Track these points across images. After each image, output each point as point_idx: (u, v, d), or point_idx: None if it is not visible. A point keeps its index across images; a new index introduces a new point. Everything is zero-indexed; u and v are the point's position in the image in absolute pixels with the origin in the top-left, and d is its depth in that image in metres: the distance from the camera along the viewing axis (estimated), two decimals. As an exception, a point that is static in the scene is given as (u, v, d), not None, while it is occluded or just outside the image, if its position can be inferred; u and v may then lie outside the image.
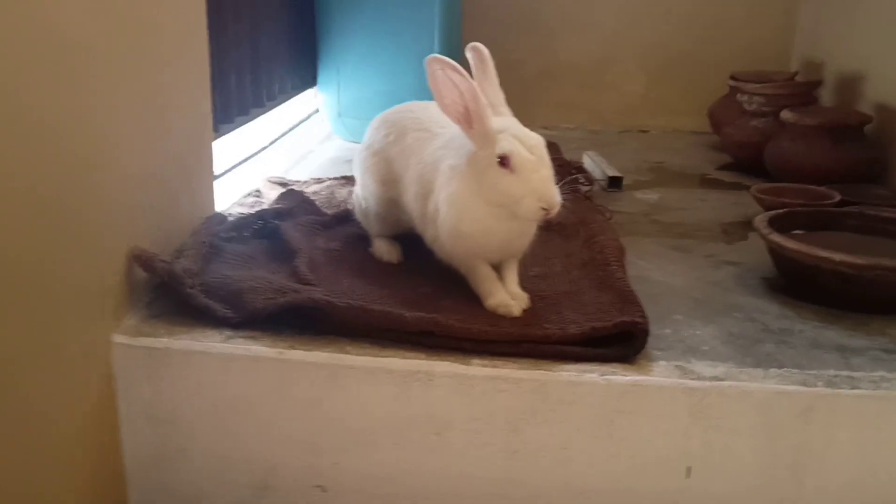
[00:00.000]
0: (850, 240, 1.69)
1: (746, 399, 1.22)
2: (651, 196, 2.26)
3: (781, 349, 1.33)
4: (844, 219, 1.74)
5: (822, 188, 2.04)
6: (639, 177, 2.48)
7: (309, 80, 2.82)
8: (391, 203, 1.57)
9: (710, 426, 1.23)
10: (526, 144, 1.28)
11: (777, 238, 1.53)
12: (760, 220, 1.64)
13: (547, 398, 1.24)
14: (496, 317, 1.34)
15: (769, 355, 1.31)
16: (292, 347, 1.28)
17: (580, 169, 2.23)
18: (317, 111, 2.90)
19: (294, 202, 1.85)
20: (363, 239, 1.68)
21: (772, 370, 1.26)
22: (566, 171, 2.16)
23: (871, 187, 2.15)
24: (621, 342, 1.28)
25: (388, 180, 1.56)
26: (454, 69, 1.27)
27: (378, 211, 1.61)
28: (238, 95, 2.23)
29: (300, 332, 1.31)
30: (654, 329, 1.38)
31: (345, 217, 1.81)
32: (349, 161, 2.57)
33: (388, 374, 1.25)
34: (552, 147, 2.31)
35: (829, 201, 1.93)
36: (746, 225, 2.00)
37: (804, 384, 1.22)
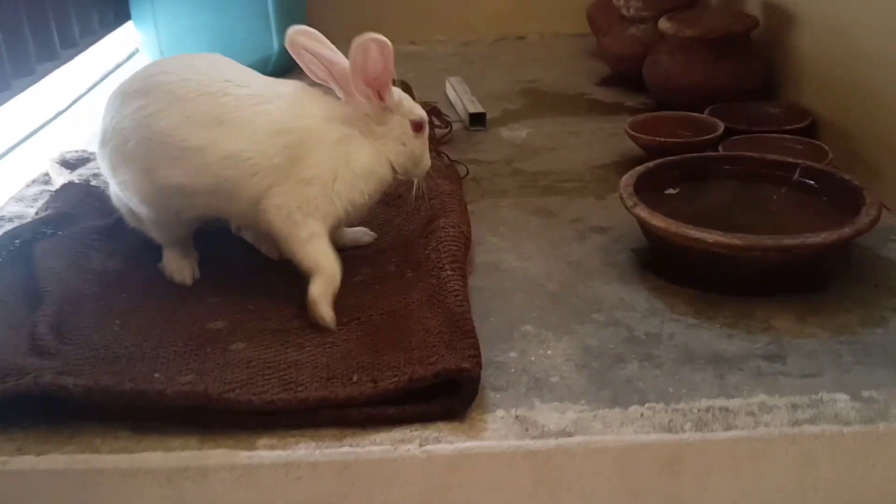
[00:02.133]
0: (733, 193, 1.44)
1: (600, 457, 0.98)
2: (518, 133, 1.97)
3: (645, 370, 1.09)
4: (725, 165, 1.48)
5: (704, 116, 1.78)
6: (508, 104, 2.17)
7: (120, 15, 2.38)
8: (168, 197, 1.23)
9: (560, 489, 1.00)
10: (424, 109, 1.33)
11: (643, 213, 1.27)
12: (626, 182, 1.37)
13: (356, 481, 0.98)
14: (293, 369, 1.07)
15: (630, 382, 1.07)
16: (21, 451, 0.98)
17: (434, 111, 1.91)
18: (137, 52, 2.48)
19: (72, 201, 1.50)
20: (155, 248, 1.36)
21: (632, 409, 1.02)
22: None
23: (761, 105, 1.89)
24: (449, 391, 1.03)
25: (160, 167, 1.20)
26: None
27: (152, 214, 1.27)
28: (13, 50, 1.82)
29: (35, 425, 1.02)
30: (496, 353, 1.13)
31: (137, 214, 1.48)
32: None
33: (148, 475, 0.97)
34: (404, 87, 2.01)
35: (713, 134, 1.67)
36: (620, 168, 1.74)
37: (669, 429, 0.98)
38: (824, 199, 1.36)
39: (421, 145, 1.29)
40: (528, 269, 1.36)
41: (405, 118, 1.26)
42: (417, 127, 1.27)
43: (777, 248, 1.17)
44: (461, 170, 1.71)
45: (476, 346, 1.06)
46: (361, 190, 1.25)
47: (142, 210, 1.27)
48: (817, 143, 1.63)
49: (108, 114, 1.27)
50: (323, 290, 1.19)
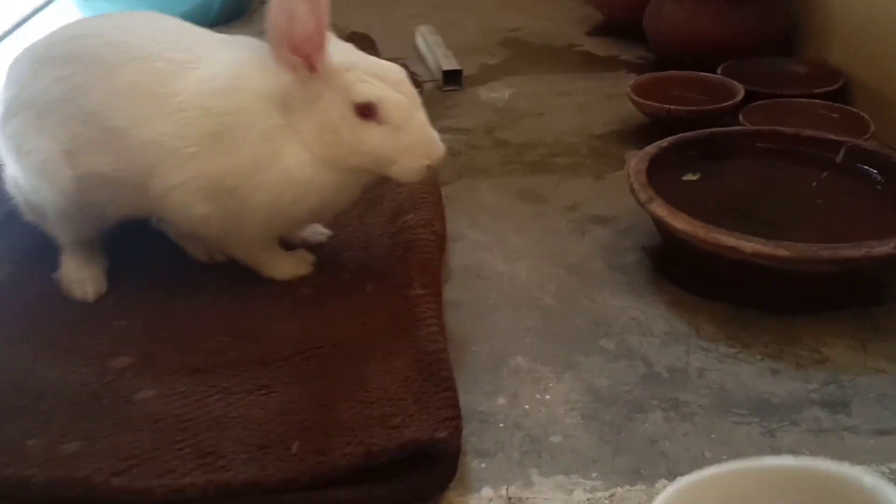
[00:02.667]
0: (764, 178, 1.18)
1: (619, 556, 0.75)
2: (500, 94, 1.69)
3: (672, 424, 0.85)
4: (753, 142, 1.23)
5: (719, 77, 1.52)
6: (487, 58, 1.88)
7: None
8: (89, 188, 0.97)
9: (565, 592, 0.76)
10: (389, 82, 0.94)
11: (662, 212, 1.01)
12: (637, 168, 1.11)
13: (296, 590, 0.74)
14: (214, 432, 0.81)
15: (654, 442, 0.83)
16: None
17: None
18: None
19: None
20: (55, 245, 1.08)
21: (659, 486, 0.78)
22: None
23: (782, 62, 1.63)
24: (419, 466, 0.78)
25: (83, 150, 0.95)
26: None
27: (62, 205, 0.99)
28: None
29: None
30: (479, 400, 0.89)
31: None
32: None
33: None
34: (365, 41, 1.71)
35: (732, 101, 1.41)
36: (621, 139, 1.47)
37: (709, 517, 0.75)
38: (878, 187, 1.12)
39: (379, 135, 0.93)
40: (517, 274, 1.10)
41: (344, 97, 0.92)
42: (362, 111, 0.92)
43: (835, 260, 0.92)
44: (433, 142, 1.44)
45: (455, 404, 0.81)
46: (287, 204, 0.96)
47: (50, 201, 0.99)
48: (855, 111, 1.38)
49: (13, 83, 0.99)
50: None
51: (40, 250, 1.09)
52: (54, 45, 0.99)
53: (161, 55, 0.95)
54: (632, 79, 1.57)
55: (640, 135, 1.47)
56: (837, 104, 1.41)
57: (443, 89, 1.69)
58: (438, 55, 1.76)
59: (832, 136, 1.18)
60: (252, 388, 0.88)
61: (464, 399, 0.86)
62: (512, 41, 1.99)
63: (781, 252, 0.93)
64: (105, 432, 0.81)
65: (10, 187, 1.06)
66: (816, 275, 0.96)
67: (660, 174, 1.13)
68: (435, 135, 0.95)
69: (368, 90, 0.91)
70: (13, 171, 1.02)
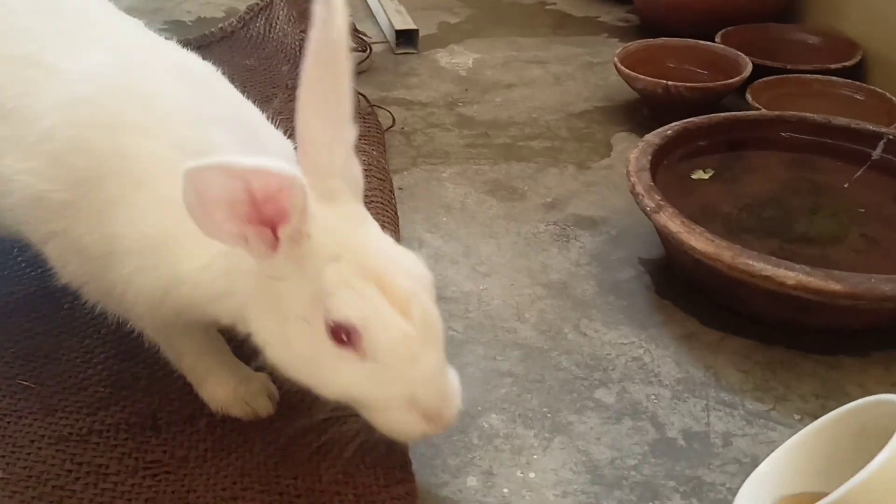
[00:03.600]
0: (788, 177, 0.98)
1: None
2: (463, 59, 1.45)
3: (697, 519, 0.65)
4: (774, 131, 1.02)
5: (721, 47, 1.30)
6: (447, 16, 1.64)
7: None
8: None
9: None
10: (395, 296, 0.57)
11: (676, 227, 0.80)
12: (639, 164, 0.89)
13: None
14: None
15: (675, 547, 0.63)
16: None
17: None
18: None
19: None
20: None
21: None
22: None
23: (790, 30, 1.42)
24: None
25: None
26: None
27: None
28: None
29: None
30: (444, 479, 0.67)
31: None
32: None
33: None
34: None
35: (739, 76, 1.19)
36: (607, 117, 1.25)
37: None
38: (927, 191, 0.92)
39: (353, 373, 0.57)
40: (488, 296, 0.88)
41: (314, 296, 0.57)
42: (337, 333, 0.56)
43: (900, 297, 0.72)
44: (384, 118, 1.20)
45: (412, 487, 0.59)
46: (160, 297, 0.62)
47: None
48: (881, 91, 1.18)
49: None
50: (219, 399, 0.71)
51: None
52: None
53: (37, 58, 0.66)
54: (615, 45, 1.36)
55: (629, 114, 1.25)
56: (861, 84, 1.21)
57: (395, 52, 1.45)
58: (390, 11, 1.51)
59: (869, 126, 0.98)
60: (136, 466, 0.65)
61: (423, 477, 0.66)
62: (478, -4, 1.75)
63: (833, 286, 0.72)
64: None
65: None
66: (868, 311, 0.76)
67: (664, 171, 0.92)
68: (448, 389, 0.59)
69: (353, 304, 0.56)
70: None
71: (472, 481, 0.68)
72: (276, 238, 0.54)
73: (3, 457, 0.65)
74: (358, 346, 0.55)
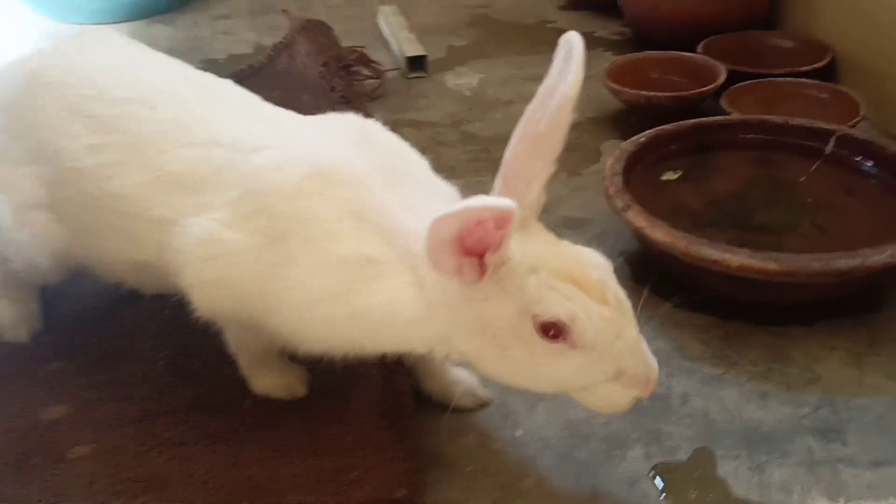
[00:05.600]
0: (751, 174, 1.10)
1: None
2: (468, 80, 1.60)
3: (653, 458, 0.78)
4: (737, 133, 1.15)
5: (700, 56, 1.43)
6: (454, 39, 1.79)
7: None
8: (88, 261, 0.86)
9: None
10: (590, 288, 0.66)
11: (640, 222, 0.94)
12: (613, 170, 1.02)
13: None
14: (154, 494, 0.74)
15: (634, 484, 0.76)
16: None
17: (362, 58, 1.52)
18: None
19: None
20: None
21: (641, 537, 0.72)
22: (340, 64, 1.49)
23: (767, 36, 1.54)
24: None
25: (98, 229, 0.81)
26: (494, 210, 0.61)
27: (45, 267, 0.87)
28: None
29: None
30: (445, 443, 0.81)
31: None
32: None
33: None
34: (321, 29, 1.61)
35: (714, 84, 1.32)
36: (597, 128, 1.39)
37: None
38: (872, 181, 1.04)
39: (568, 364, 0.67)
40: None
41: (520, 306, 0.66)
42: (548, 329, 0.66)
43: (828, 272, 0.85)
44: (397, 138, 1.36)
45: (416, 454, 0.74)
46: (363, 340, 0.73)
47: (37, 262, 0.86)
48: (845, 90, 1.30)
49: (32, 119, 0.82)
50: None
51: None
52: (96, 99, 0.80)
53: (220, 138, 0.77)
54: (609, 58, 1.49)
55: (617, 123, 1.39)
56: (826, 83, 1.33)
57: (407, 77, 1.60)
58: (402, 39, 1.66)
59: (822, 125, 1.10)
60: (196, 438, 0.81)
61: (426, 440, 0.80)
62: (481, 19, 1.89)
63: (770, 266, 0.85)
64: (34, 498, 0.74)
65: None
66: (809, 287, 0.89)
67: (638, 174, 1.06)
68: (648, 356, 0.68)
69: (559, 303, 0.65)
70: None
71: (468, 440, 0.82)
72: (483, 265, 0.64)
73: (92, 434, 0.82)
74: (568, 338, 0.65)
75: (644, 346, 0.68)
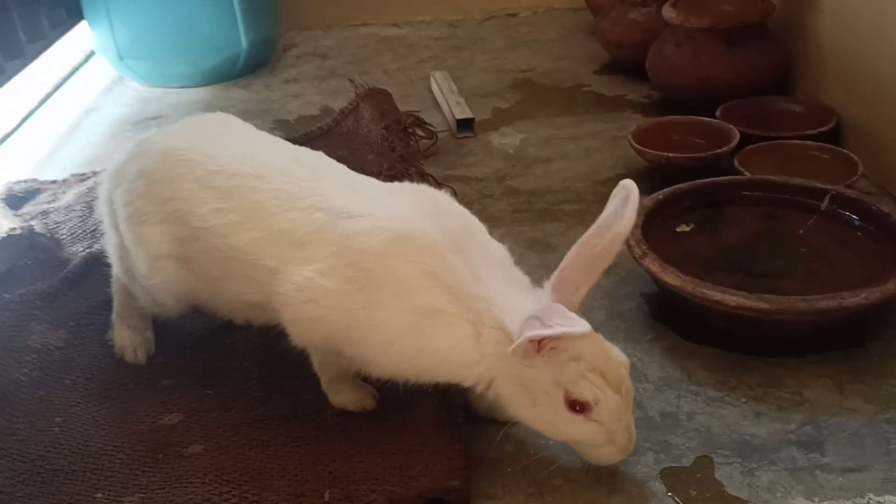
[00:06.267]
0: (755, 227, 1.27)
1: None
2: (511, 140, 1.79)
3: (662, 465, 0.95)
4: (744, 191, 1.31)
5: (717, 122, 1.60)
6: (499, 102, 1.99)
7: (71, 14, 2.17)
8: (211, 302, 1.06)
9: None
10: (611, 380, 0.88)
11: (654, 267, 1.11)
12: (634, 225, 1.20)
13: None
14: (256, 483, 0.92)
15: (645, 483, 0.92)
16: None
17: (418, 120, 1.73)
18: (93, 55, 2.29)
19: (12, 258, 1.34)
20: (104, 311, 1.20)
21: (647, 530, 0.88)
22: (399, 127, 1.69)
23: (779, 101, 1.71)
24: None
25: (221, 276, 1.00)
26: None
27: (175, 308, 1.08)
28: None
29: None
30: (488, 447, 0.99)
31: (86, 269, 1.32)
32: (146, 121, 2.04)
33: None
34: (382, 96, 1.82)
35: (727, 146, 1.50)
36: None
37: (693, 554, 0.85)
38: (860, 234, 1.20)
39: (579, 429, 0.88)
40: (525, 323, 1.21)
41: (557, 381, 0.87)
42: (574, 405, 0.87)
43: (811, 311, 1.01)
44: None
45: (466, 455, 0.92)
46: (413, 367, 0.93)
47: (168, 303, 1.07)
48: (845, 152, 1.46)
49: (171, 190, 1.01)
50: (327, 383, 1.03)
51: (94, 314, 1.22)
52: (219, 173, 1.00)
53: (321, 205, 0.96)
54: (638, 119, 1.67)
55: (642, 179, 1.55)
56: (828, 145, 1.49)
57: (457, 137, 1.80)
58: (452, 103, 1.87)
59: (818, 185, 1.26)
60: (286, 439, 0.99)
61: (475, 446, 0.97)
62: (523, 82, 2.09)
63: (762, 305, 1.02)
64: (161, 485, 0.93)
65: (119, 268, 1.12)
66: (798, 324, 1.05)
67: (656, 226, 1.22)
68: (633, 432, 0.90)
69: (590, 391, 0.86)
70: (122, 267, 1.10)
71: (509, 448, 0.98)
72: (542, 347, 0.86)
73: (203, 436, 1.01)
74: (588, 413, 0.87)
75: (632, 424, 0.89)
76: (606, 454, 0.90)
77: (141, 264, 1.04)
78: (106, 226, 1.12)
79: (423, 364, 0.92)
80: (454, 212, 0.99)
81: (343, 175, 1.03)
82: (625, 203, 0.90)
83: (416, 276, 0.90)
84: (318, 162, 1.04)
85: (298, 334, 0.96)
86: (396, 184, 1.05)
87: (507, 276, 0.96)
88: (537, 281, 1.33)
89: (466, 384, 0.92)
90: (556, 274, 0.91)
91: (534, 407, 0.89)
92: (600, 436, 0.88)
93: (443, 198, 0.99)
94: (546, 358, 0.87)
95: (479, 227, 0.99)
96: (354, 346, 0.93)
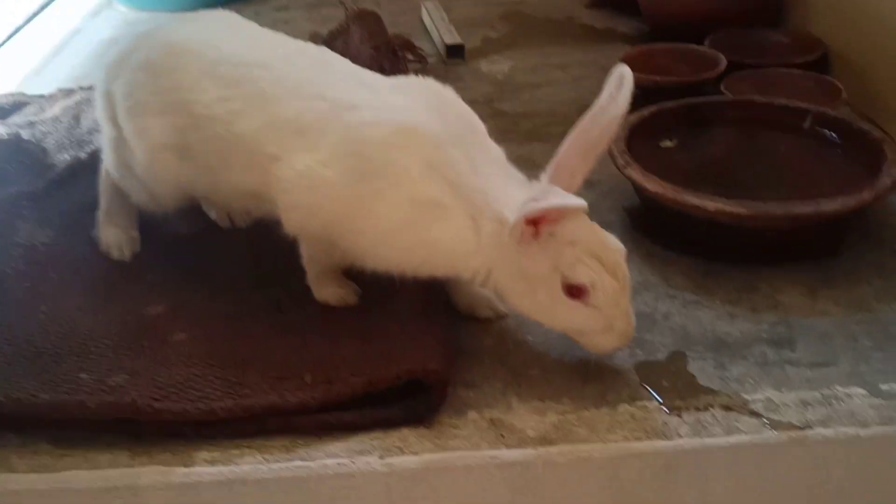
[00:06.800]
0: (737, 144, 1.29)
1: (583, 466, 0.87)
2: (500, 66, 1.79)
3: (637, 359, 0.97)
4: (727, 110, 1.33)
5: (704, 48, 1.61)
6: (489, 31, 1.98)
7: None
8: (211, 192, 1.08)
9: (540, 499, 0.89)
10: (607, 264, 0.89)
11: (636, 175, 1.13)
12: (618, 136, 1.21)
13: (311, 497, 0.87)
14: (239, 368, 0.94)
15: (619, 374, 0.95)
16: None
17: (407, 44, 1.73)
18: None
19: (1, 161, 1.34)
20: (90, 211, 1.21)
21: (621, 409, 0.90)
22: (389, 49, 1.69)
23: (767, 33, 1.72)
24: (413, 392, 0.91)
25: (222, 165, 1.01)
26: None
27: (173, 199, 1.10)
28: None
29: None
30: (469, 340, 1.01)
31: (72, 173, 1.32)
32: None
33: (72, 495, 0.86)
34: (372, 18, 1.82)
35: (714, 71, 1.51)
36: (613, 107, 1.57)
37: (663, 434, 0.87)
38: (839, 151, 1.22)
39: (577, 315, 0.89)
40: (508, 232, 1.22)
41: (555, 267, 0.88)
42: (571, 290, 0.89)
43: (787, 217, 1.03)
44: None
45: (446, 341, 0.94)
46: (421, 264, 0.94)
47: (166, 195, 1.09)
48: (829, 79, 1.47)
49: (176, 81, 1.01)
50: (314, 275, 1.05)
51: (79, 214, 1.22)
52: (223, 63, 1.01)
53: (324, 95, 0.97)
54: (627, 50, 1.67)
55: (631, 104, 1.57)
56: (813, 73, 1.50)
57: (446, 62, 1.80)
58: (442, 30, 1.86)
59: (801, 105, 1.28)
60: (271, 329, 1.01)
61: (456, 340, 0.99)
62: (514, 14, 2.09)
63: (740, 210, 1.04)
64: (146, 368, 0.95)
65: (104, 173, 1.16)
66: (775, 230, 1.07)
67: (640, 142, 1.24)
68: (632, 318, 0.91)
69: (586, 274, 0.88)
70: (115, 159, 1.11)
71: (488, 341, 1.01)
72: (539, 233, 0.87)
73: (188, 326, 1.02)
74: (585, 298, 0.88)
75: (631, 311, 0.90)
76: (607, 341, 0.91)
77: (141, 156, 1.05)
78: (101, 119, 1.12)
79: (422, 256, 0.93)
80: (457, 107, 0.99)
81: (348, 68, 1.04)
82: (619, 87, 0.92)
83: (417, 168, 0.91)
84: (323, 55, 1.05)
85: (295, 222, 0.97)
86: (402, 77, 1.05)
87: (506, 171, 0.97)
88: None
89: (465, 276, 0.94)
90: (551, 163, 0.93)
91: (533, 295, 0.90)
92: (599, 322, 0.89)
93: (447, 93, 1.00)
94: (543, 245, 0.88)
95: (480, 126, 1.00)
96: (352, 237, 0.94)
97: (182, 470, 0.86)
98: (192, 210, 1.23)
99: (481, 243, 0.91)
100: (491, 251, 0.91)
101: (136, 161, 1.06)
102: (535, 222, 0.87)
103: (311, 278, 1.05)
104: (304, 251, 1.03)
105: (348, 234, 0.95)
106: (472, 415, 0.90)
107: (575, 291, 0.88)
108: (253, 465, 0.86)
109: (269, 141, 0.96)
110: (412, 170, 0.91)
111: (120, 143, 1.09)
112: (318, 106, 0.96)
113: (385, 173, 0.92)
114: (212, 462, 0.86)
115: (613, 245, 0.90)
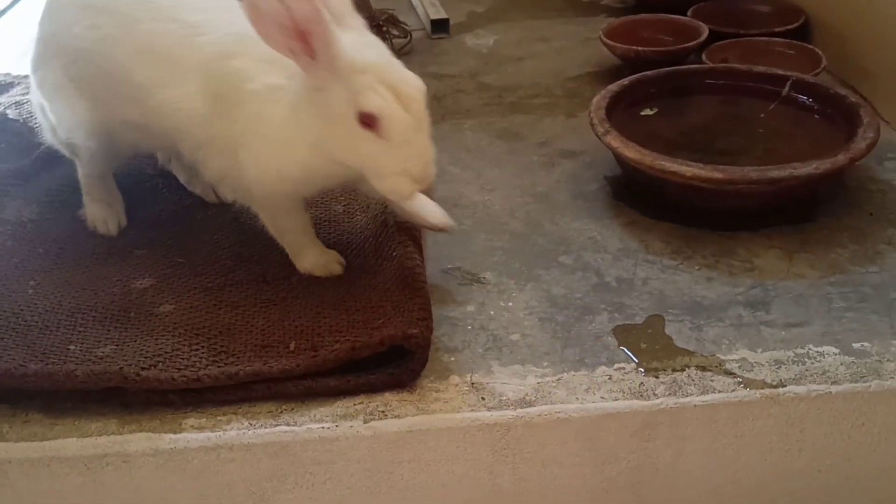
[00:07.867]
0: (717, 111, 1.30)
1: (564, 427, 0.89)
2: (484, 40, 1.80)
3: (616, 323, 0.99)
4: (707, 79, 1.34)
5: (686, 19, 1.62)
6: (473, 5, 1.99)
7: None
8: (113, 129, 1.09)
9: (521, 459, 0.91)
10: (401, 97, 0.87)
11: (615, 142, 1.14)
12: (598, 104, 1.23)
13: (296, 460, 0.89)
14: (225, 336, 0.96)
15: (598, 338, 0.97)
16: (-85, 441, 0.88)
17: (391, 19, 1.73)
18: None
19: (-16, 139, 1.35)
20: (76, 189, 1.22)
21: (599, 371, 0.92)
22: (373, 24, 1.69)
23: (750, 2, 1.72)
24: (396, 358, 0.92)
25: (107, 96, 1.05)
26: None
27: (90, 144, 1.11)
28: None
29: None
30: (451, 308, 1.03)
31: (58, 152, 1.33)
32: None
33: (63, 463, 0.87)
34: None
35: (696, 41, 1.52)
36: (594, 80, 1.59)
37: (640, 394, 0.89)
38: (817, 116, 1.23)
39: (373, 148, 0.88)
40: (491, 203, 1.24)
41: (350, 98, 0.87)
42: (364, 119, 0.87)
43: (763, 180, 1.05)
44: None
45: (427, 307, 0.95)
46: (275, 168, 0.96)
47: (79, 138, 1.10)
48: (810, 47, 1.49)
49: (54, 23, 1.08)
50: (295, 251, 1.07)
51: (65, 192, 1.24)
52: None
53: (177, 17, 1.00)
54: (610, 22, 1.68)
55: (612, 75, 1.57)
56: (794, 41, 1.51)
57: (431, 37, 1.80)
58: (427, 5, 1.87)
59: (780, 72, 1.29)
60: (256, 300, 1.03)
61: (438, 308, 1.01)
62: (499, -14, 2.09)
63: (716, 175, 1.05)
64: (133, 338, 0.96)
65: (45, 127, 1.18)
66: (751, 195, 1.09)
67: (620, 110, 1.25)
68: (430, 159, 0.90)
69: (375, 101, 0.86)
70: (44, 105, 1.14)
71: (469, 308, 1.03)
72: (311, 48, 0.85)
73: (174, 298, 1.03)
74: (377, 128, 0.86)
75: (430, 153, 0.90)
76: (400, 184, 0.89)
77: (52, 110, 1.10)
78: (37, 112, 1.18)
79: (278, 153, 0.94)
80: None
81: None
82: None
83: (254, 66, 0.93)
84: None
85: (206, 170, 1.03)
86: None
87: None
88: (504, 169, 1.36)
89: (322, 168, 0.94)
90: None
91: (333, 128, 0.89)
92: (393, 159, 0.88)
93: None
94: (335, 75, 0.86)
95: None
96: (242, 166, 0.97)
97: (170, 436, 0.87)
98: (178, 187, 1.25)
99: (294, 104, 0.91)
100: (306, 107, 0.90)
101: (57, 120, 1.11)
102: (303, 38, 0.84)
103: (289, 250, 1.06)
104: (265, 221, 1.05)
105: (242, 165, 0.97)
106: (454, 379, 0.92)
107: (368, 120, 0.86)
108: (239, 430, 0.88)
109: (136, 70, 1.00)
110: (249, 69, 0.94)
111: (46, 114, 1.13)
112: (169, 28, 0.99)
113: (233, 83, 0.94)
114: (199, 428, 0.88)
115: (411, 80, 0.88)
